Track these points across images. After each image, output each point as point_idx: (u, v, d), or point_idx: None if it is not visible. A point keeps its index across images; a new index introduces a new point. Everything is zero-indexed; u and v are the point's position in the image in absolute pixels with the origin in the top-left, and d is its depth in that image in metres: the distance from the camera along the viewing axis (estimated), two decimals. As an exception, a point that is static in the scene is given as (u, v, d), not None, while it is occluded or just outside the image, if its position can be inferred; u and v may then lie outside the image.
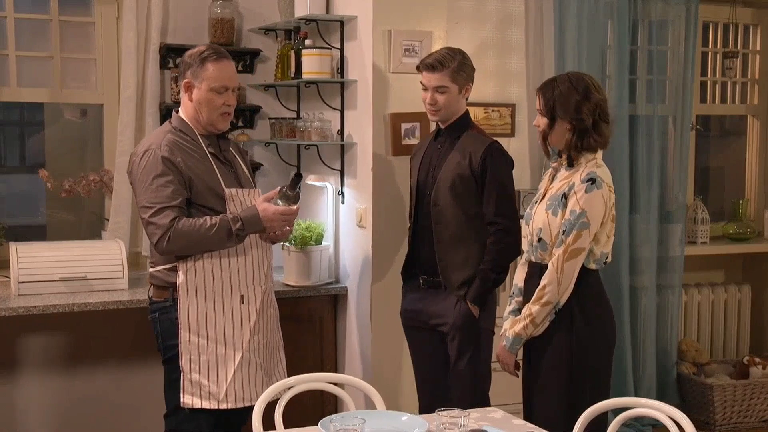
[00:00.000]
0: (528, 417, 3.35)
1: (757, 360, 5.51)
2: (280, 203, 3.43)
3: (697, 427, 5.30)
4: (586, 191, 3.17)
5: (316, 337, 4.48)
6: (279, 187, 3.48)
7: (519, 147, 4.88)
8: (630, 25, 5.29)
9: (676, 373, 5.55)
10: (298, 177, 3.54)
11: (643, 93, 5.42)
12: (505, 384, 3.73)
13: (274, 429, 2.82)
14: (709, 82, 5.99)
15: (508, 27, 4.99)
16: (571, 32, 5.05)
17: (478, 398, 3.58)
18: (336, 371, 4.48)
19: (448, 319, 3.69)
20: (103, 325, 4.43)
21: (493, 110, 4.93)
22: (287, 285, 4.42)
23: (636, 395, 5.38)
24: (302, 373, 3.11)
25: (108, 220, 4.64)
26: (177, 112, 3.52)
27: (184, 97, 3.46)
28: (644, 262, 5.43)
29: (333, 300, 4.52)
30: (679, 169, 5.56)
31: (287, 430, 2.80)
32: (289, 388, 3.02)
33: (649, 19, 5.37)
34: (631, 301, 5.40)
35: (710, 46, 5.95)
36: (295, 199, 3.46)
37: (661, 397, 5.49)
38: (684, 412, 5.43)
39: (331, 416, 2.65)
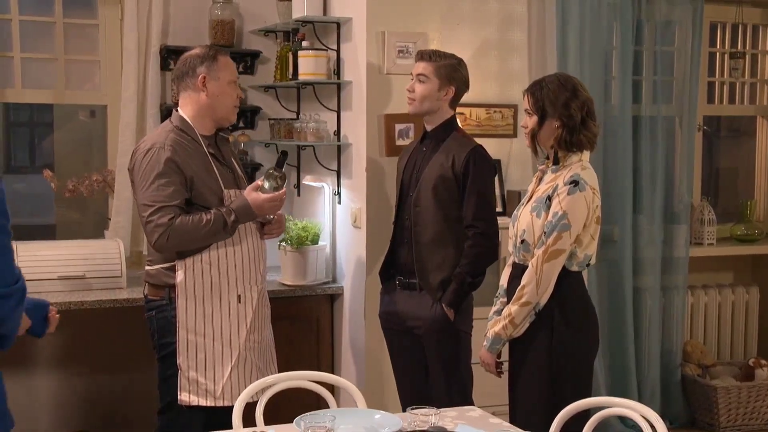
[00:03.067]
0: (513, 417, 3.37)
1: (763, 362, 5.47)
2: (267, 184, 3.48)
3: (701, 429, 5.36)
4: (568, 193, 3.18)
5: (313, 336, 4.52)
6: (266, 171, 3.55)
7: (521, 148, 4.89)
8: (634, 26, 5.29)
9: (680, 375, 5.53)
10: (284, 155, 3.60)
11: (648, 94, 5.42)
12: (493, 385, 3.74)
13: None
14: (717, 83, 5.96)
15: (509, 28, 5.00)
16: (573, 33, 5.05)
17: (459, 399, 3.59)
18: (332, 370, 4.52)
19: (423, 322, 3.72)
20: (101, 324, 4.48)
21: (495, 111, 4.95)
22: (284, 284, 4.46)
23: (639, 396, 5.38)
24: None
25: (110, 219, 4.70)
26: (176, 110, 3.57)
27: (194, 95, 3.49)
28: (648, 262, 5.42)
29: (330, 299, 4.55)
30: (685, 170, 5.54)
31: (267, 426, 2.84)
32: (269, 387, 3.07)
33: (654, 20, 5.36)
34: (634, 301, 5.39)
35: (718, 47, 5.92)
36: (282, 179, 3.52)
37: (665, 398, 5.49)
38: (688, 414, 5.49)
39: (304, 414, 2.67)
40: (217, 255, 3.45)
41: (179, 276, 3.43)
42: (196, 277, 3.44)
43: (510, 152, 4.97)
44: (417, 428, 2.50)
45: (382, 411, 2.85)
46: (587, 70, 5.11)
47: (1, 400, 2.57)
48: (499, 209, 4.54)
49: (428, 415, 2.63)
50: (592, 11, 5.09)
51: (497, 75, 4.91)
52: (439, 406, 2.95)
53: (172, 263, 3.44)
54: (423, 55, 3.74)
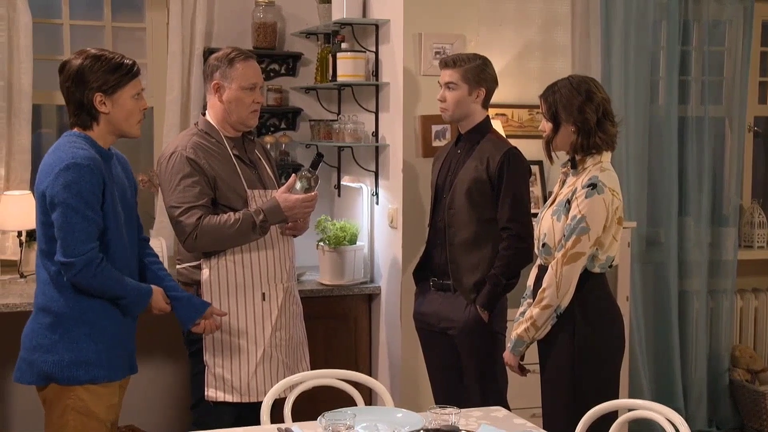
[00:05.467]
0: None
1: (814, 368, 5.37)
2: (298, 185, 3.52)
3: (750, 435, 5.28)
4: (586, 196, 3.16)
5: (350, 336, 4.55)
6: (299, 171, 3.58)
7: (562, 149, 4.85)
8: (680, 26, 5.23)
9: (728, 380, 5.45)
10: (320, 157, 3.64)
11: (696, 94, 5.35)
12: (527, 387, 3.73)
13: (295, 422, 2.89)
14: (769, 83, 5.86)
15: (553, 28, 4.98)
16: (618, 33, 5.02)
17: (494, 401, 3.59)
18: (370, 370, 4.55)
19: (457, 323, 3.72)
20: (141, 320, 4.56)
21: (537, 112, 4.91)
22: (322, 284, 4.51)
23: (685, 400, 5.33)
24: (336, 371, 3.20)
25: (155, 218, 4.80)
26: (203, 114, 3.65)
27: (212, 98, 3.58)
28: (694, 265, 5.36)
29: (367, 299, 4.58)
30: (735, 172, 5.46)
31: (294, 423, 2.88)
32: (298, 385, 3.11)
33: (702, 19, 5.30)
34: (680, 304, 5.34)
35: (770, 46, 5.82)
36: (314, 180, 3.54)
37: (712, 403, 5.43)
38: (737, 419, 5.41)
39: (327, 411, 2.71)
40: (242, 253, 3.51)
41: (205, 274, 3.50)
42: (221, 274, 3.50)
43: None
44: (430, 427, 2.51)
45: (404, 409, 2.87)
46: (632, 71, 5.08)
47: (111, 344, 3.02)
48: (538, 210, 4.52)
49: (449, 414, 2.63)
50: (638, 11, 5.05)
51: (539, 76, 4.88)
52: (473, 407, 2.97)
53: (198, 261, 3.53)
54: (447, 63, 3.72)
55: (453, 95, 3.70)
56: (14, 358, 3.08)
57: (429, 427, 2.52)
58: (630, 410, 2.88)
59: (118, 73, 2.94)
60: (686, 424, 2.69)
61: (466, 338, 3.72)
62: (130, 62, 2.99)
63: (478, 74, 3.70)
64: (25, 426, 4.56)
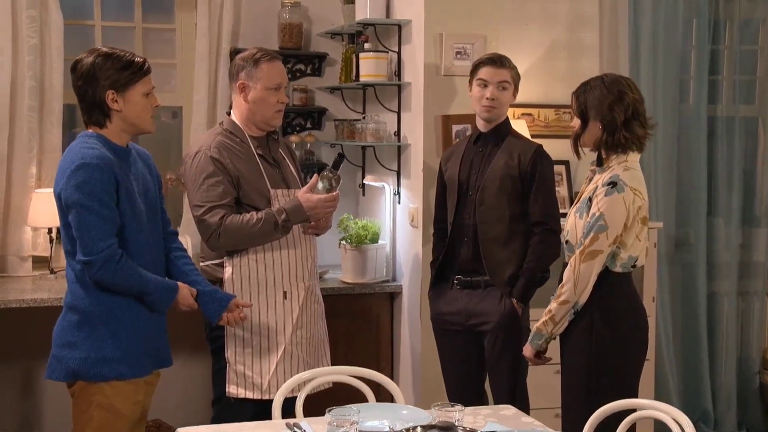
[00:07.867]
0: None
1: None
2: (320, 185, 3.55)
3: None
4: (605, 194, 3.17)
5: (372, 334, 4.58)
6: (321, 172, 3.62)
7: (590, 148, 4.83)
8: (711, 25, 5.19)
9: (758, 382, 5.38)
10: (341, 157, 3.68)
11: (728, 94, 5.30)
12: (549, 387, 3.73)
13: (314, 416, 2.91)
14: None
15: (580, 28, 4.96)
16: (646, 32, 4.98)
17: (519, 393, 3.66)
18: (391, 368, 4.57)
19: (491, 318, 3.74)
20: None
21: (564, 112, 4.91)
22: (344, 282, 4.54)
23: (714, 403, 5.28)
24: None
25: (183, 216, 4.87)
26: (228, 113, 3.70)
27: (237, 98, 3.63)
28: (724, 266, 5.31)
29: (389, 298, 4.61)
30: (768, 172, 5.41)
31: (305, 419, 2.92)
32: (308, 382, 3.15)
33: (734, 18, 5.25)
34: (709, 306, 5.29)
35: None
36: (336, 180, 3.58)
37: (741, 406, 5.37)
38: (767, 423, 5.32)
39: (333, 407, 2.73)
40: (264, 252, 3.56)
41: (227, 272, 3.55)
42: (243, 273, 3.55)
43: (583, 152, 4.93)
44: (427, 424, 2.53)
45: (410, 406, 2.90)
46: (661, 70, 5.04)
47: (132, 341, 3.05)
48: (566, 210, 4.52)
49: (453, 412, 2.65)
50: (667, 10, 5.01)
51: (566, 75, 4.85)
52: (499, 402, 2.96)
53: (221, 260, 3.58)
54: (503, 62, 3.76)
55: (506, 95, 3.76)
56: (45, 353, 3.15)
57: (426, 424, 2.53)
58: (641, 410, 2.87)
59: (129, 70, 2.98)
60: (692, 425, 2.68)
61: (500, 332, 3.74)
62: (141, 60, 3.03)
63: (518, 77, 3.80)
64: (57, 421, 4.65)
